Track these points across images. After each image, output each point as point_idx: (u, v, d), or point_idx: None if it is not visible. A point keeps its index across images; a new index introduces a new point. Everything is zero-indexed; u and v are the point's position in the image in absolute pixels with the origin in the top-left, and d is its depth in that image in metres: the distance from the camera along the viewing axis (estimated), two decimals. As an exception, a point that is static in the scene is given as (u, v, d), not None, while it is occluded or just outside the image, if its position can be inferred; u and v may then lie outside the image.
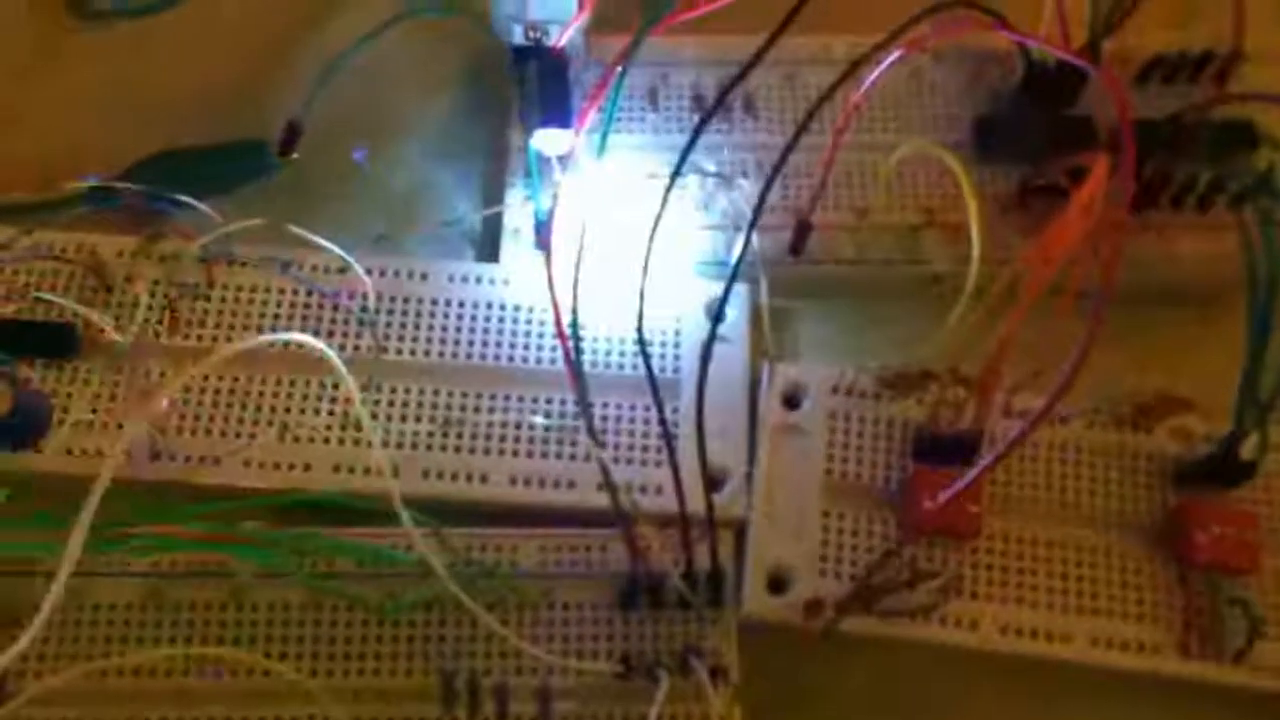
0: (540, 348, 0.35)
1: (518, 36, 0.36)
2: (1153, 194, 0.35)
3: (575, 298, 0.32)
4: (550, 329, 0.35)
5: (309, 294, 0.35)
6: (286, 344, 0.32)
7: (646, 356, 0.29)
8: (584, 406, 0.28)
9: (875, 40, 0.36)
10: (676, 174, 0.31)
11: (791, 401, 0.34)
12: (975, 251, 0.30)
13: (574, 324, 0.28)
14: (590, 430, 0.29)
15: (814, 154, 0.34)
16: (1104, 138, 0.36)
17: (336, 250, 0.33)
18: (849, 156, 0.36)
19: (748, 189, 0.36)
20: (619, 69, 0.33)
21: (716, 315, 0.35)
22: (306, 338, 0.25)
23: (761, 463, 0.33)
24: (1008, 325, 0.29)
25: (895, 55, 0.33)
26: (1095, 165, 0.31)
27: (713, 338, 0.29)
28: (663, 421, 0.28)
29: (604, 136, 0.33)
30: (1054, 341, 0.31)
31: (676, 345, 0.35)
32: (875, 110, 0.38)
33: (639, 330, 0.30)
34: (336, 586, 0.31)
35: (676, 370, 0.35)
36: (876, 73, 0.32)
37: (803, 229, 0.35)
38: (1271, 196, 0.32)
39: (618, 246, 0.34)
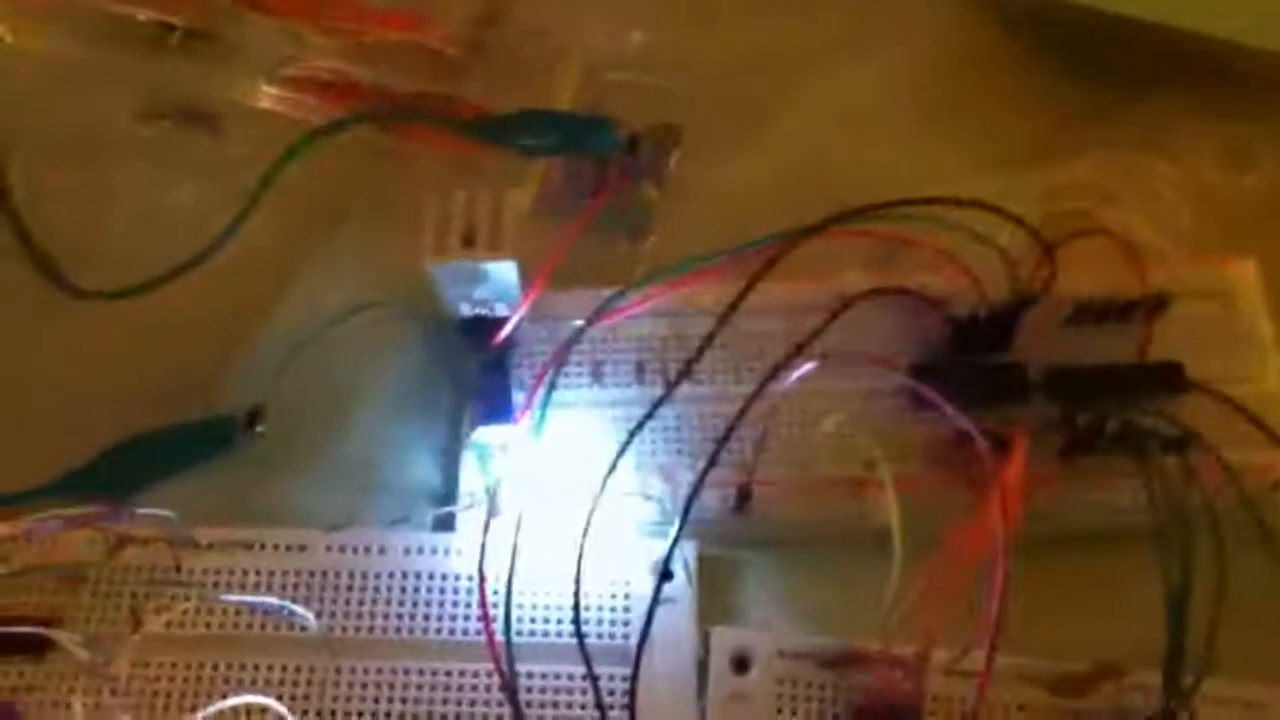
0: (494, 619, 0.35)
1: (465, 309, 0.38)
2: (1085, 442, 0.36)
3: (512, 567, 0.33)
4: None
5: (271, 573, 0.36)
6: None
7: (578, 622, 0.32)
8: (509, 679, 0.32)
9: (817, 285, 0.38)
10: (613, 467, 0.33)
11: (740, 665, 0.35)
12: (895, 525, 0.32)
13: (509, 593, 0.32)
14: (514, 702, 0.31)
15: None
16: (1034, 384, 0.37)
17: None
18: (788, 408, 0.37)
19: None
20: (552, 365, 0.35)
21: (662, 574, 0.37)
22: (259, 698, 0.27)
23: (710, 731, 0.34)
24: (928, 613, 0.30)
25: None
26: (1014, 446, 0.32)
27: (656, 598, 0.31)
28: (595, 685, 0.32)
29: (539, 426, 0.34)
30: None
31: (626, 609, 0.36)
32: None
33: (575, 596, 0.32)
34: None
35: (625, 635, 0.35)
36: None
37: (744, 492, 0.36)
38: (1180, 448, 0.33)
39: (564, 516, 0.35)
